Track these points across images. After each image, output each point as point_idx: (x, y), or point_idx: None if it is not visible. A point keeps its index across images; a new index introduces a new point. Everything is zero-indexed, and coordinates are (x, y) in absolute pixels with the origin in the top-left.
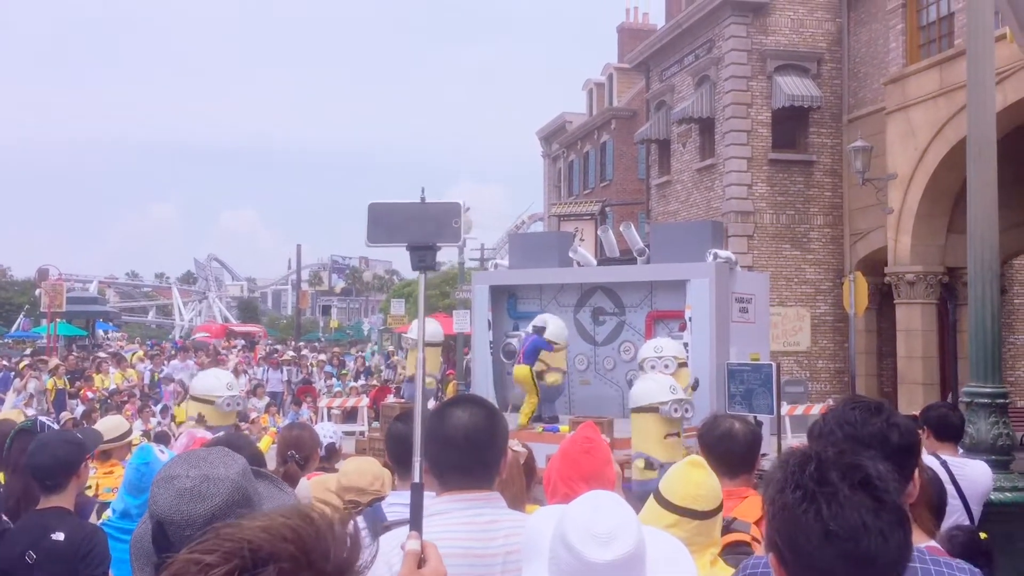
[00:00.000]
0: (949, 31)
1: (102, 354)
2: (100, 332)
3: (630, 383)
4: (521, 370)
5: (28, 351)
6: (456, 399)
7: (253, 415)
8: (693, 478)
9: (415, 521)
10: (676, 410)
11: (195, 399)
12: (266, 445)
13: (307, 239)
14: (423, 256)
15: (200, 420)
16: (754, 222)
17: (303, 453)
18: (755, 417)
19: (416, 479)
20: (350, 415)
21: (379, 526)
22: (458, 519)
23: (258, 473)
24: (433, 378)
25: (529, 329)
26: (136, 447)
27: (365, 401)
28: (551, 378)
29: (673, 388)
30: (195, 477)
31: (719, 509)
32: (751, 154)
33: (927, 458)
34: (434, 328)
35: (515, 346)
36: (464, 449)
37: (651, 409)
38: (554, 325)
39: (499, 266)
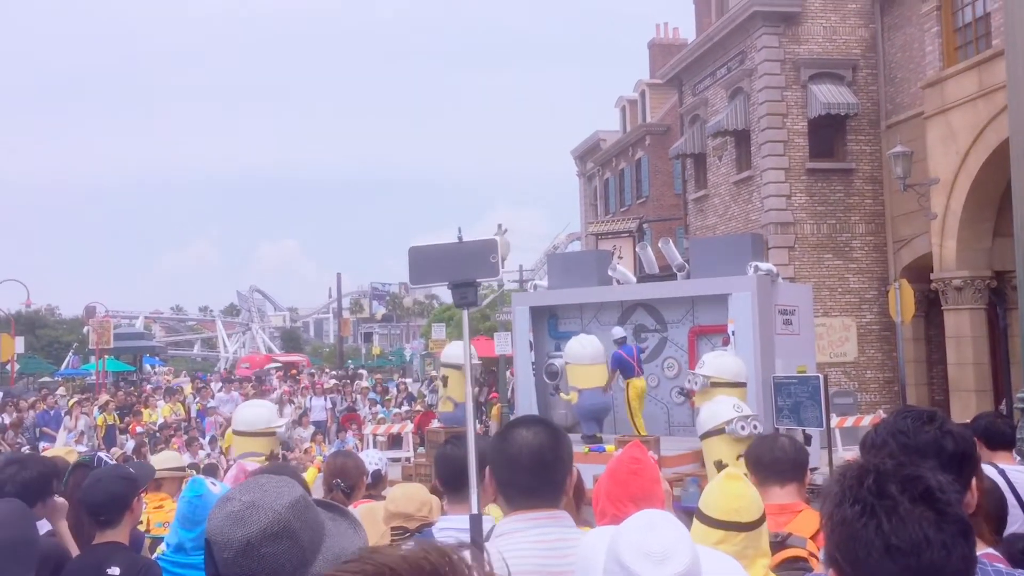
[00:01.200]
0: (986, 31)
1: (149, 387)
2: (147, 367)
3: (688, 395)
4: (639, 383)
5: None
6: (520, 420)
7: (305, 445)
8: (731, 491)
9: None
10: (743, 427)
11: (253, 434)
12: (311, 476)
13: (347, 267)
14: (465, 293)
15: (272, 457)
16: (794, 233)
17: (349, 481)
18: (804, 431)
19: (474, 509)
20: (395, 441)
21: None
22: (528, 538)
23: (328, 506)
24: (451, 401)
25: (621, 336)
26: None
27: (410, 427)
28: (569, 395)
29: (737, 406)
30: (244, 502)
31: (762, 519)
32: (788, 164)
33: (984, 467)
34: (457, 350)
35: (557, 367)
36: (530, 468)
37: (717, 432)
38: (580, 345)
39: (538, 287)
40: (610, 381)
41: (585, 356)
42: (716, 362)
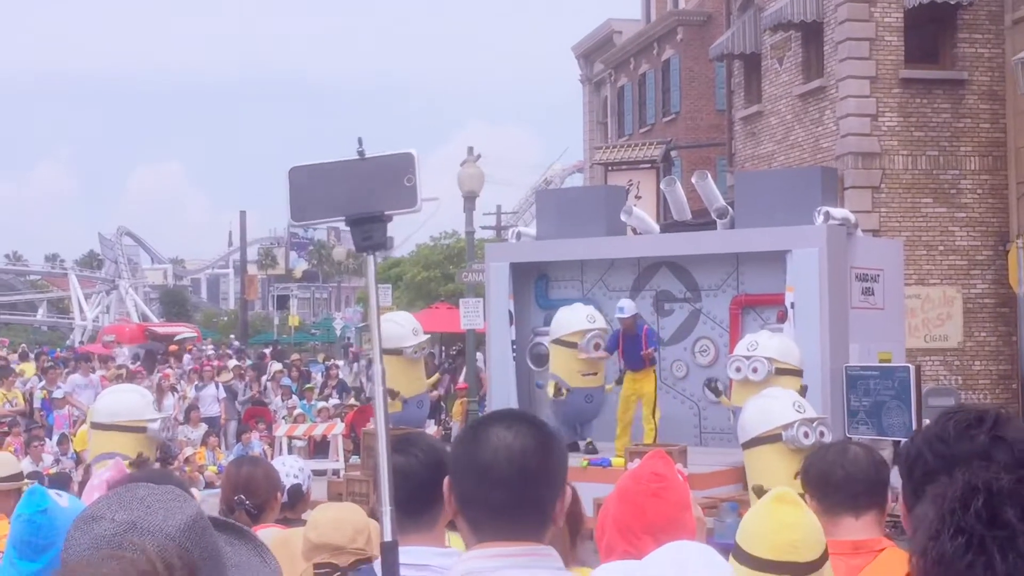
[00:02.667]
0: None
1: None
2: None
3: (716, 391)
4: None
5: None
6: (497, 414)
7: (187, 451)
8: (784, 519)
9: None
10: (807, 434)
11: (115, 428)
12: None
13: (254, 204)
14: (369, 231)
15: (138, 461)
16: (881, 168)
17: (256, 499)
18: (895, 443)
19: (388, 536)
20: (319, 448)
21: None
22: None
23: (223, 525)
24: (418, 396)
25: (625, 313)
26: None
27: (340, 428)
28: (550, 389)
29: (798, 405)
30: (120, 523)
31: (825, 557)
32: (876, 72)
33: None
34: (397, 329)
35: (546, 348)
36: (507, 482)
37: (771, 438)
38: (565, 314)
39: (523, 236)
40: (648, 359)
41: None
42: (776, 343)
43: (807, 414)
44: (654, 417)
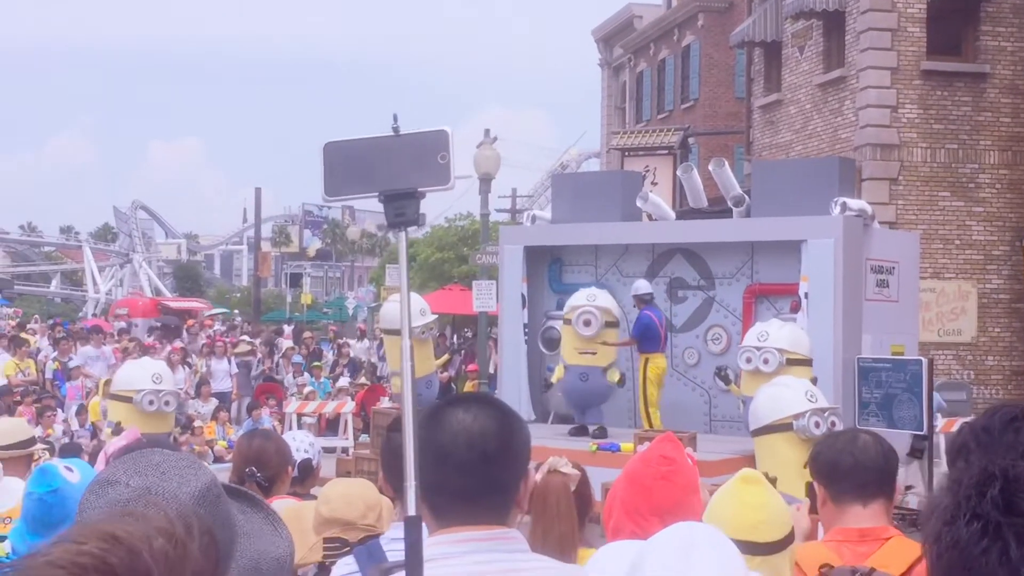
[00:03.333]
0: None
1: None
2: None
3: (726, 379)
4: (661, 362)
5: None
6: (457, 397)
7: (197, 423)
8: (748, 499)
9: (413, 567)
10: (818, 424)
11: (114, 398)
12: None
13: (270, 181)
14: (401, 207)
15: (117, 430)
16: (900, 159)
17: (268, 472)
18: (914, 435)
19: (411, 510)
20: (329, 425)
21: (377, 569)
22: (457, 568)
23: (235, 492)
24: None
25: (647, 292)
26: (37, 466)
27: (350, 406)
28: (558, 372)
29: (811, 395)
30: (135, 488)
31: (788, 540)
32: (897, 63)
33: None
34: (417, 305)
35: (559, 332)
36: (470, 469)
37: (782, 427)
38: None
39: (538, 219)
40: (620, 345)
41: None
42: (786, 332)
43: (819, 404)
44: (647, 408)
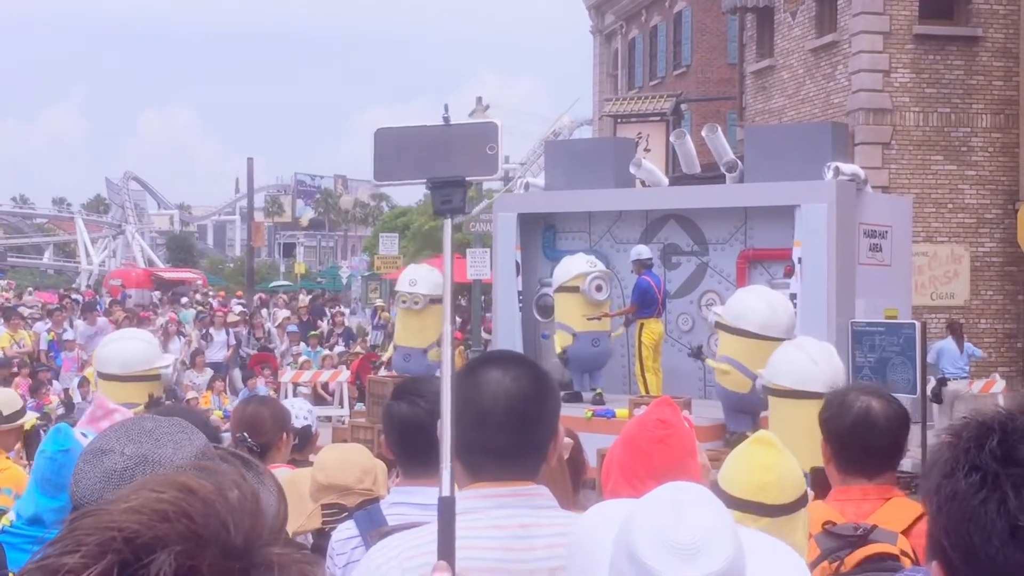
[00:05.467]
0: None
1: None
2: None
3: (699, 354)
4: (657, 327)
5: None
6: (490, 356)
7: (191, 394)
8: (759, 461)
9: (445, 547)
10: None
11: (109, 377)
12: None
13: (262, 150)
14: (449, 195)
15: (153, 403)
16: (892, 124)
17: (262, 438)
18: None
19: (446, 491)
20: (316, 394)
21: (377, 533)
22: (482, 522)
23: (225, 455)
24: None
25: (647, 258)
26: (49, 429)
27: (345, 375)
28: (560, 340)
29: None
30: (131, 456)
31: (799, 503)
32: (889, 27)
33: None
34: (436, 278)
35: (552, 299)
36: (509, 429)
37: (802, 395)
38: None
39: (531, 187)
40: (619, 314)
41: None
42: (733, 301)
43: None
44: (643, 374)
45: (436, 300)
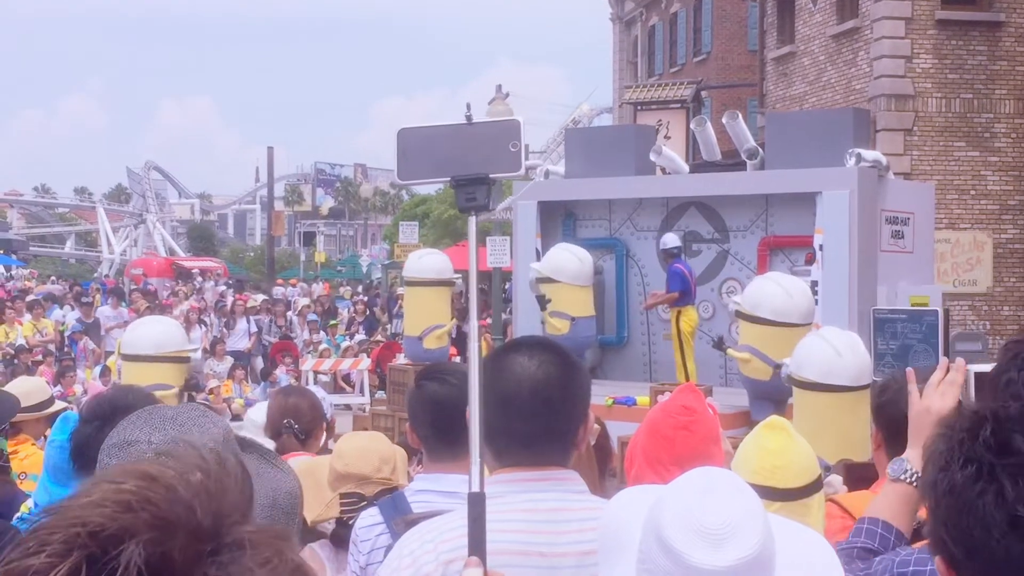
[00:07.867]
0: None
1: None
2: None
3: (721, 346)
4: (694, 314)
5: None
6: (517, 342)
7: (212, 383)
8: (768, 445)
9: (476, 542)
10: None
11: (138, 358)
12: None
13: (282, 140)
14: (473, 192)
15: (190, 386)
16: (914, 110)
17: (303, 426)
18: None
19: (475, 486)
20: (344, 382)
21: (402, 521)
22: (512, 506)
23: (242, 443)
24: (442, 330)
25: (675, 246)
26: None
27: (366, 363)
28: (557, 324)
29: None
30: (158, 444)
31: (813, 487)
32: (911, 12)
33: None
34: (441, 263)
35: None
36: (533, 415)
37: (828, 388)
38: (577, 258)
39: (552, 174)
40: (662, 302)
41: (581, 274)
42: (751, 288)
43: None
44: (685, 364)
45: (414, 283)
